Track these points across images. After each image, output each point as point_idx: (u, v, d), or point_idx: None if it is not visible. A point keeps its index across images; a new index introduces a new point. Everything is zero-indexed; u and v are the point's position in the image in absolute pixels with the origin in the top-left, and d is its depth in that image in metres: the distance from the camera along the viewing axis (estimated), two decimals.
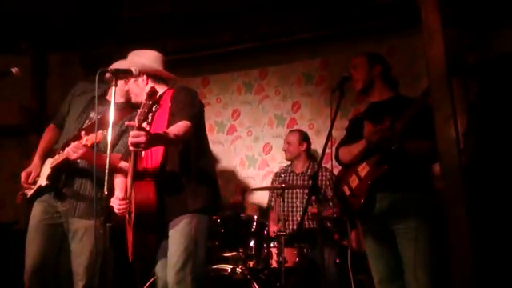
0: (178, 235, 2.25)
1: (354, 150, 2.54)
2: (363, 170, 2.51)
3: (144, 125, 2.08)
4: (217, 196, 2.47)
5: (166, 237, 2.31)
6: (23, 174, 2.69)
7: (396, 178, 2.42)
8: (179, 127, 2.22)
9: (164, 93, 2.50)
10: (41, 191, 2.66)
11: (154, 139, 2.07)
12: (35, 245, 2.60)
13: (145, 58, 2.54)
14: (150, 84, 2.49)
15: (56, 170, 2.59)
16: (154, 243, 2.28)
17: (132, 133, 2.00)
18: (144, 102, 2.08)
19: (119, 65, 2.45)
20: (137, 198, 2.16)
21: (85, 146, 2.37)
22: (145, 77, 2.51)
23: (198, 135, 2.38)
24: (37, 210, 2.66)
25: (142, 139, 1.98)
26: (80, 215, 2.61)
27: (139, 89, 2.51)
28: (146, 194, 2.19)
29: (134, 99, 2.56)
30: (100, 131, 2.31)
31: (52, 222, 2.64)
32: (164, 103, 2.43)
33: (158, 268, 2.38)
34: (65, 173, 2.62)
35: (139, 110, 2.05)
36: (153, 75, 2.52)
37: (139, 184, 2.21)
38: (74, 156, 2.42)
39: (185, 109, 2.32)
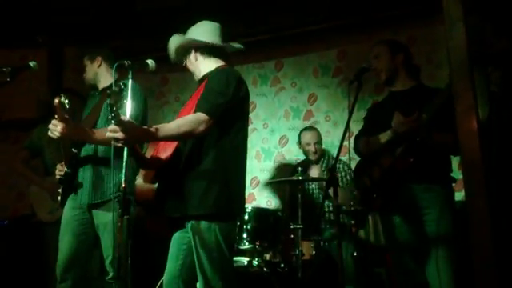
0: (196, 248, 2.10)
1: (378, 141, 2.49)
2: (387, 161, 2.47)
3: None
4: (234, 200, 2.18)
5: (178, 227, 2.23)
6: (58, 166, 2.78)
7: (420, 170, 2.40)
8: (185, 122, 2.03)
9: (210, 73, 2.31)
10: (64, 193, 2.74)
11: (137, 136, 1.93)
12: (66, 241, 2.69)
13: (197, 31, 2.38)
14: (201, 60, 2.35)
15: (69, 167, 2.67)
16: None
17: (110, 127, 1.89)
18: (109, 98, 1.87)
19: (172, 41, 2.38)
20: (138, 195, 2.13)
21: (58, 121, 2.39)
22: (193, 52, 2.36)
23: (224, 129, 2.15)
24: (67, 207, 2.76)
25: (119, 135, 1.87)
26: (87, 201, 2.66)
27: (194, 66, 2.38)
28: (148, 186, 2.14)
29: (195, 78, 2.40)
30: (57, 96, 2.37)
31: (80, 217, 2.72)
32: (204, 83, 2.23)
33: (170, 259, 2.27)
34: (71, 168, 2.68)
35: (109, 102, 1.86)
36: (202, 49, 2.35)
37: (145, 173, 2.14)
38: (55, 134, 2.43)
39: (208, 98, 2.09)
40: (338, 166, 3.71)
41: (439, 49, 3.77)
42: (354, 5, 3.93)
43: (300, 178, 3.26)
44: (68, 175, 2.68)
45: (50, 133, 2.47)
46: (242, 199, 2.28)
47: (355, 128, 2.93)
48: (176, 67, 2.67)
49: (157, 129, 1.96)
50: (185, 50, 2.39)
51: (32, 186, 3.70)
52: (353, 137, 2.76)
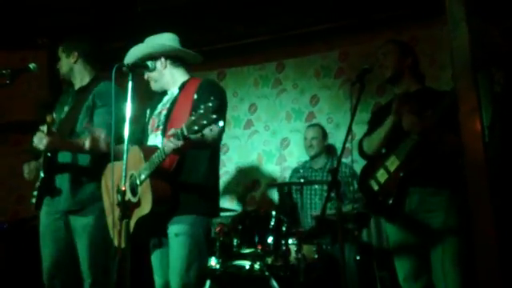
0: (180, 238, 2.18)
1: (380, 134, 2.48)
2: (393, 163, 2.44)
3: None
4: (218, 199, 2.43)
5: (165, 234, 2.26)
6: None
7: (427, 173, 2.37)
8: (214, 131, 2.11)
9: (188, 81, 2.39)
10: (40, 196, 2.69)
11: (190, 146, 2.04)
12: (47, 249, 2.66)
13: (162, 39, 2.42)
14: (169, 67, 2.40)
15: (45, 172, 2.64)
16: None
17: (172, 142, 1.97)
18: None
19: (136, 50, 2.39)
20: (156, 194, 2.11)
21: (45, 133, 2.46)
22: (163, 59, 2.38)
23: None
24: (42, 214, 2.71)
25: (180, 143, 1.96)
26: (66, 207, 2.62)
27: (158, 74, 2.39)
28: (163, 190, 2.14)
29: (153, 86, 2.44)
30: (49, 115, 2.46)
31: (57, 224, 2.67)
32: (187, 92, 2.30)
33: (156, 272, 2.32)
34: (47, 172, 2.64)
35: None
36: (172, 57, 2.40)
37: (156, 182, 2.14)
38: (41, 146, 2.48)
39: (219, 109, 2.18)
40: (343, 169, 3.69)
41: (442, 50, 3.74)
42: (355, 5, 3.91)
43: (302, 180, 3.23)
44: (43, 180, 2.63)
45: (34, 144, 2.50)
46: (219, 198, 2.49)
47: (358, 130, 2.90)
48: None
49: (200, 139, 2.04)
50: (152, 58, 2.38)
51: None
52: (355, 139, 2.74)
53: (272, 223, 3.22)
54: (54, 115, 2.50)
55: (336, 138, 4.17)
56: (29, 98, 4.30)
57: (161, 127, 2.34)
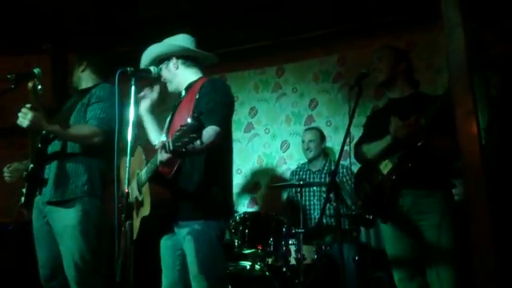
0: (194, 244, 2.14)
1: (378, 147, 2.51)
2: (385, 166, 2.49)
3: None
4: (231, 201, 2.37)
5: (165, 231, 2.27)
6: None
7: (419, 175, 2.41)
8: (209, 136, 2.04)
9: (196, 81, 2.36)
10: (28, 193, 2.65)
11: (178, 156, 2.01)
12: (41, 253, 2.64)
13: (176, 40, 2.41)
14: (181, 68, 2.38)
15: (34, 162, 2.61)
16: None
17: (161, 155, 1.95)
18: None
19: (149, 51, 2.40)
20: (154, 198, 2.13)
21: (30, 109, 2.37)
22: (174, 59, 2.37)
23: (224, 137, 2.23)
24: (34, 216, 2.68)
25: (171, 161, 1.96)
26: (48, 197, 2.55)
27: (171, 74, 2.38)
28: (161, 194, 2.16)
29: (169, 88, 2.41)
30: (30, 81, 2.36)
31: (47, 227, 2.62)
32: (192, 93, 2.27)
33: (164, 273, 2.30)
34: (37, 163, 2.60)
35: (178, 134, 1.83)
36: (184, 57, 2.38)
37: (154, 186, 2.15)
38: (26, 121, 2.37)
39: (215, 110, 2.13)
40: (340, 170, 3.73)
41: (439, 54, 3.79)
42: (354, 10, 3.95)
43: (301, 182, 3.27)
44: (33, 171, 2.57)
45: (18, 121, 2.41)
46: (232, 199, 2.42)
47: (356, 133, 2.95)
48: None
49: (193, 149, 1.99)
50: (165, 57, 2.38)
51: None
52: (354, 142, 2.78)
53: (272, 224, 3.26)
54: (36, 81, 2.39)
55: (335, 141, 4.22)
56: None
57: (165, 128, 2.38)
